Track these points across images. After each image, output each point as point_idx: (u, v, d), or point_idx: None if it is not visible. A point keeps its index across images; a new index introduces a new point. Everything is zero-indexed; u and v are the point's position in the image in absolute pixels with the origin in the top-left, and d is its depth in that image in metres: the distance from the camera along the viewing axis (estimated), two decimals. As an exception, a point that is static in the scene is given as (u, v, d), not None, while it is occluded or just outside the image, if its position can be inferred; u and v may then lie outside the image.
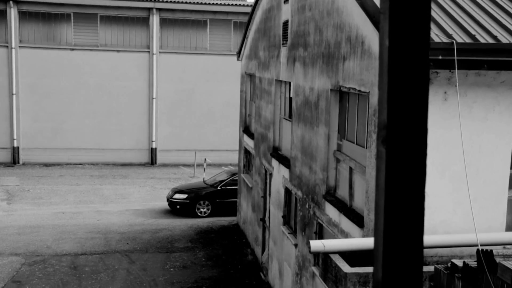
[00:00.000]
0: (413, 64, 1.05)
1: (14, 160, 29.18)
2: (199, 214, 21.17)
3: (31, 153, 29.41)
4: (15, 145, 29.14)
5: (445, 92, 7.15)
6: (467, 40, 7.07)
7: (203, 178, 23.60)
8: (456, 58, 6.77)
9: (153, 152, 30.26)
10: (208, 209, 21.36)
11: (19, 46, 28.95)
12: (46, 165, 29.16)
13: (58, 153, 29.53)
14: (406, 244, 1.05)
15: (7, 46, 28.84)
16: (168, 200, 21.75)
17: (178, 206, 21.23)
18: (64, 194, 23.36)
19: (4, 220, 19.63)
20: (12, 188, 24.21)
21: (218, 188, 21.67)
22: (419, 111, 1.05)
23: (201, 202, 21.33)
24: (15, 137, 29.08)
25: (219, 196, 21.60)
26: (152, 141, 30.25)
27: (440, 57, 6.77)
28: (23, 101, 29.14)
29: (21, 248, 16.92)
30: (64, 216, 20.32)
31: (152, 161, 30.26)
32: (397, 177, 1.05)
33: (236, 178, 21.97)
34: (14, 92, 28.89)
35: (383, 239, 1.04)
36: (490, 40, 7.14)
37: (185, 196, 21.41)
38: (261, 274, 15.59)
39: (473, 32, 7.26)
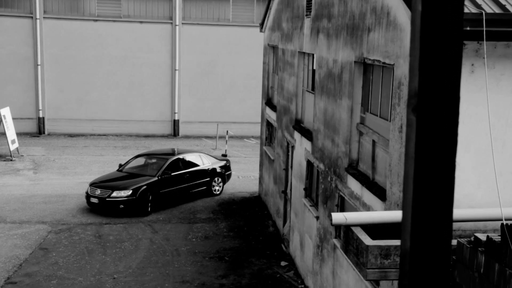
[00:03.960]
0: (446, 29, 1.02)
1: (40, 131, 29.64)
2: (149, 210, 17.76)
3: (56, 124, 29.82)
4: (41, 115, 29.57)
5: (472, 64, 7.00)
6: (497, 10, 6.88)
7: (120, 165, 19.76)
8: (484, 29, 6.60)
9: (175, 123, 30.43)
10: (150, 203, 17.83)
11: (44, 17, 29.11)
12: (71, 135, 29.57)
13: (82, 124, 29.89)
14: (435, 213, 1.03)
15: (32, 17, 29.03)
16: (99, 200, 17.31)
17: (121, 206, 17.21)
18: (89, 165, 23.71)
19: (31, 189, 20.05)
20: (38, 158, 24.65)
21: (158, 177, 18.15)
22: (452, 78, 1.01)
23: (151, 196, 17.79)
24: (40, 107, 29.48)
25: (161, 187, 18.14)
26: (175, 113, 30.39)
27: (468, 28, 6.61)
28: (47, 72, 29.43)
29: (48, 216, 17.30)
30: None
31: (175, 133, 30.44)
32: (427, 146, 1.03)
33: (173, 160, 18.81)
34: (39, 63, 29.17)
35: (411, 209, 1.03)
36: (521, 11, 6.93)
37: (129, 192, 17.33)
38: (282, 245, 15.71)
39: (503, 2, 7.05)
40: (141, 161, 19.49)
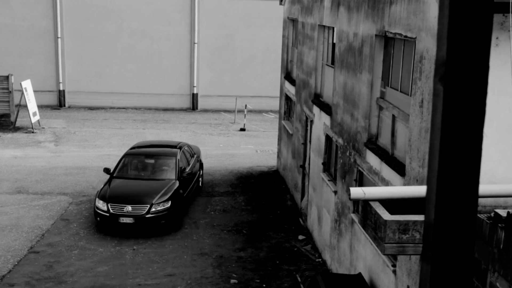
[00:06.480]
0: (477, -4, 0.98)
1: (60, 103, 29.91)
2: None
3: (76, 97, 30.05)
4: (61, 88, 29.80)
5: (497, 38, 6.85)
6: (524, -18, 6.68)
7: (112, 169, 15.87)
8: (511, 1, 6.43)
9: (194, 97, 30.45)
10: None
11: (63, -10, 29.12)
12: (91, 108, 29.80)
13: (102, 97, 30.07)
14: (461, 185, 1.01)
15: (51, -10, 29.06)
16: (135, 219, 13.72)
17: (163, 221, 13.97)
18: (108, 137, 23.93)
19: (52, 161, 20.34)
20: (59, 130, 24.94)
21: (178, 179, 15.02)
22: (481, 47, 0.98)
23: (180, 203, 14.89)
24: (60, 80, 29.69)
25: (183, 189, 15.12)
26: (194, 87, 30.38)
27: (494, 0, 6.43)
28: (67, 45, 29.55)
29: (69, 188, 17.57)
30: (109, 159, 20.86)
31: (194, 107, 30.49)
32: (454, 117, 1.00)
33: (180, 155, 15.80)
34: (59, 35, 29.28)
35: (437, 180, 1.01)
36: (549, -17, 6.73)
37: (168, 202, 14.05)
38: (300, 219, 15.78)
39: (531, -26, 6.85)
40: (132, 160, 15.65)
